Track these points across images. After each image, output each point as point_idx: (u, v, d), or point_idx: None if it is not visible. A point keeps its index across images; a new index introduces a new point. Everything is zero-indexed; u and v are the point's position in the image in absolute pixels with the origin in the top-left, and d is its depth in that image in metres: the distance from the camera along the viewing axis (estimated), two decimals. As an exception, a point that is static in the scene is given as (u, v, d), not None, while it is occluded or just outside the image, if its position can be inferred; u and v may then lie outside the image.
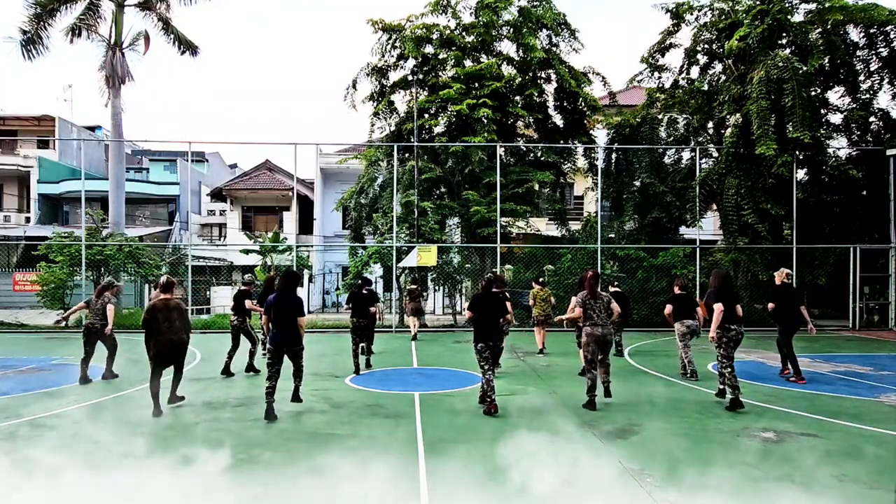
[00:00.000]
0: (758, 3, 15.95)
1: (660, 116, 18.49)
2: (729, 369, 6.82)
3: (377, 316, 10.07)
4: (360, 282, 10.14)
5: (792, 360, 8.53)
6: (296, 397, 6.86)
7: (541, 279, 11.80)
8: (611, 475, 4.65)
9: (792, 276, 9.29)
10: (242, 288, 9.54)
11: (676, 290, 8.99)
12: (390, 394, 7.79)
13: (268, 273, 15.71)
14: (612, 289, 10.79)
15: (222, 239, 30.93)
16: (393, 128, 18.74)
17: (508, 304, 9.21)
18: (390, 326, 16.16)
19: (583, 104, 18.40)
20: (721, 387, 7.26)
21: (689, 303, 8.91)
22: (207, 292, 21.70)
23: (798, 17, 16.05)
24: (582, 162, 19.74)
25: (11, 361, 10.55)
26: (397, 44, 17.75)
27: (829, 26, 15.65)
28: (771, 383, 8.42)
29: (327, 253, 27.15)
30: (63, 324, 8.92)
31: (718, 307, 6.79)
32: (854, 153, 17.35)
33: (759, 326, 14.79)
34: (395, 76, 18.45)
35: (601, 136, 19.96)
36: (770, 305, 8.78)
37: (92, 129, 35.75)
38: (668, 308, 8.90)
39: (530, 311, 11.96)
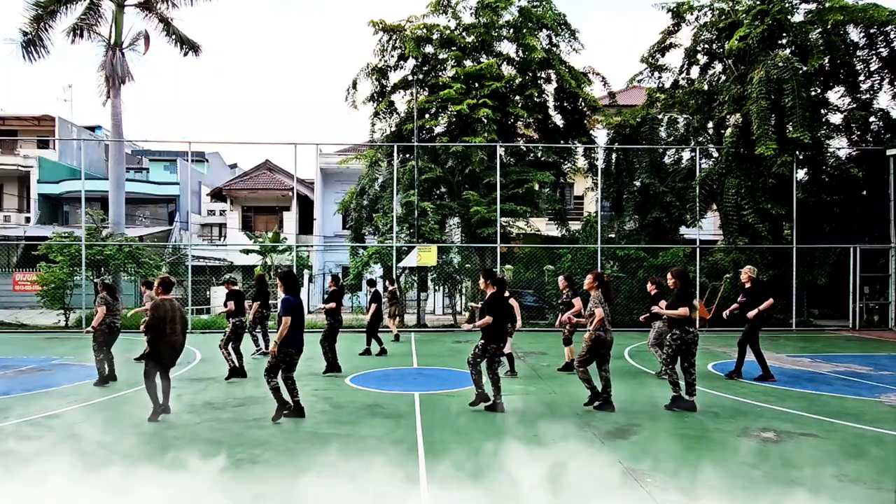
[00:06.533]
0: (758, 3, 15.93)
1: (660, 116, 18.47)
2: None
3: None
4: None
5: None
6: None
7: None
8: (611, 475, 4.65)
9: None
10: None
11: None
12: (390, 394, 7.79)
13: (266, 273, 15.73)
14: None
15: (222, 239, 30.94)
16: (393, 128, 18.72)
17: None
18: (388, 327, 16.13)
19: (583, 104, 18.41)
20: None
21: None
22: (207, 292, 21.69)
23: (798, 17, 16.04)
24: (582, 162, 19.73)
25: (11, 361, 10.54)
26: (398, 44, 17.76)
27: (829, 26, 15.63)
28: (770, 383, 8.41)
29: (327, 253, 27.12)
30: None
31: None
32: (854, 153, 17.34)
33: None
34: (395, 76, 18.49)
35: (601, 136, 19.95)
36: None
37: (92, 129, 35.74)
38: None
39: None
